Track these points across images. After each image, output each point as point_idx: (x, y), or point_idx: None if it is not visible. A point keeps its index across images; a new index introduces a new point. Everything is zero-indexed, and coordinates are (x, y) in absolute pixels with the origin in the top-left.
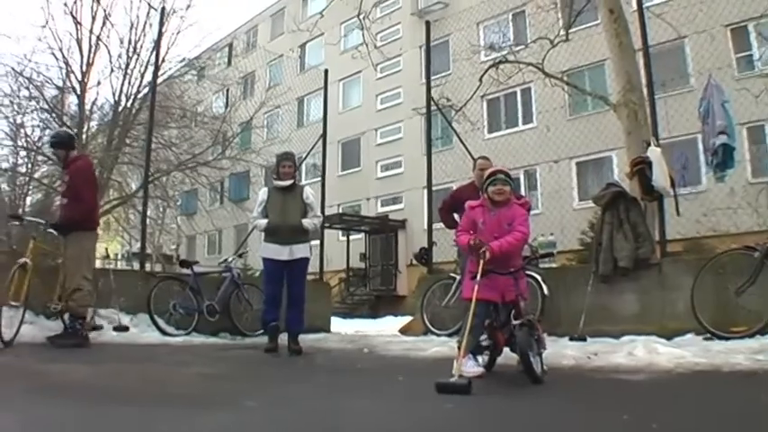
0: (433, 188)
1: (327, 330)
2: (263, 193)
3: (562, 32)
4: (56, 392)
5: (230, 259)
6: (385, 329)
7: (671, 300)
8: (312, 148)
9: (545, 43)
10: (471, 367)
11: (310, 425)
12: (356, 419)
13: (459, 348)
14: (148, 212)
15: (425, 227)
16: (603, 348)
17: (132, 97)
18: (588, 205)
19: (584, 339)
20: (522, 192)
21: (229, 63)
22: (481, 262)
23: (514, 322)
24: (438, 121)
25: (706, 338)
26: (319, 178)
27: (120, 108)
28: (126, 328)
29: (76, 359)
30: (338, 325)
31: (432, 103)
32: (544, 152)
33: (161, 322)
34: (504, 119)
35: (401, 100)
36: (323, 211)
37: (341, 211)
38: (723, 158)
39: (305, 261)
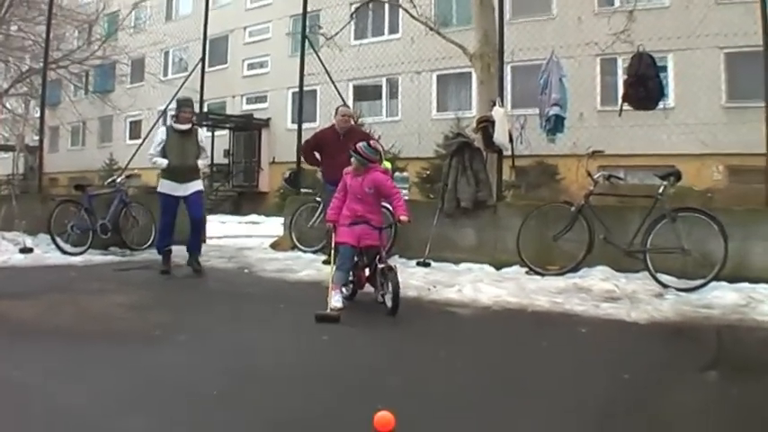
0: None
1: (204, 240)
2: (161, 133)
3: None
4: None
5: (118, 180)
6: (253, 241)
7: (502, 237)
8: (194, 68)
9: None
10: (339, 300)
11: (233, 361)
12: (265, 357)
13: (331, 281)
14: (13, 105)
15: (288, 126)
16: (442, 279)
17: None
18: (445, 116)
19: (429, 265)
20: (383, 99)
21: None
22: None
23: (380, 266)
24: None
25: (527, 272)
26: (184, 73)
27: None
28: (31, 250)
29: None
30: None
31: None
32: (407, 63)
33: (60, 242)
34: (371, 27)
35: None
36: (200, 108)
37: (207, 107)
38: (555, 125)
39: (199, 191)
